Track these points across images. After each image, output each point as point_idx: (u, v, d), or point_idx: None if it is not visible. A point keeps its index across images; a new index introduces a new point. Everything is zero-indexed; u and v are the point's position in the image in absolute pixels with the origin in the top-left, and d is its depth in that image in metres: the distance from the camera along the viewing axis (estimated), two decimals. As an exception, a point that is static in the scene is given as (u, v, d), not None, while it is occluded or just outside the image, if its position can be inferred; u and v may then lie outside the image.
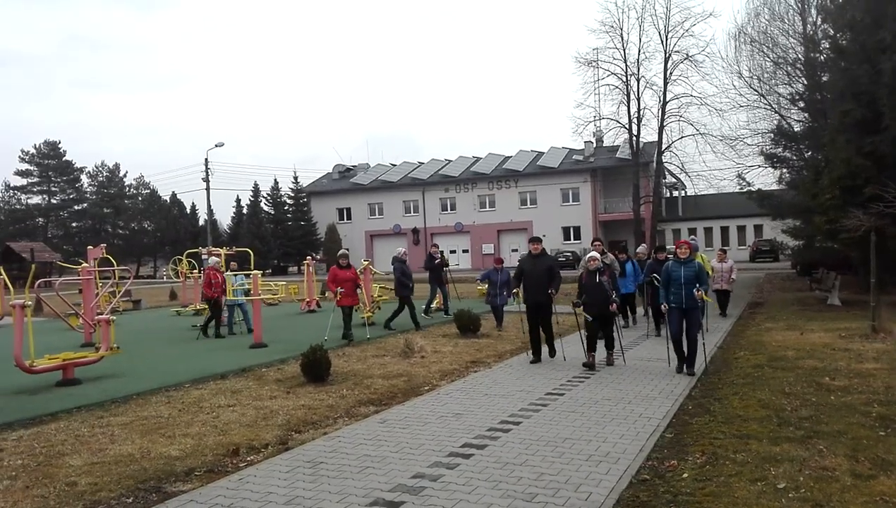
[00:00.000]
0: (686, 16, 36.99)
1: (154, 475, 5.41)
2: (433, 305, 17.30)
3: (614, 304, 9.43)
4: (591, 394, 7.79)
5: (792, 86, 24.68)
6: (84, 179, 68.52)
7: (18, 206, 66.17)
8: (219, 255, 18.54)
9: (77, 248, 55.34)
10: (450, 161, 60.11)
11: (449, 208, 56.03)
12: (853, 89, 16.51)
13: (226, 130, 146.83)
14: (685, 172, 38.16)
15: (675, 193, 54.27)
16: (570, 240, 51.01)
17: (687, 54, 35.48)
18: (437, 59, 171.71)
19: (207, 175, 50.89)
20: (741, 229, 49.80)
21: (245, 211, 60.83)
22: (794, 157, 25.18)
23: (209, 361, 11.08)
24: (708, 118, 58.35)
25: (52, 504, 4.85)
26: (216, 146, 52.80)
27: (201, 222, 62.48)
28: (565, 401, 7.48)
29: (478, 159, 58.91)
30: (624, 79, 36.92)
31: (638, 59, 36.80)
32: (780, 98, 25.21)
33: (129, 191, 70.05)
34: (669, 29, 35.86)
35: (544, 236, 47.39)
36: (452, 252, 50.50)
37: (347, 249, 17.08)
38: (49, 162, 66.13)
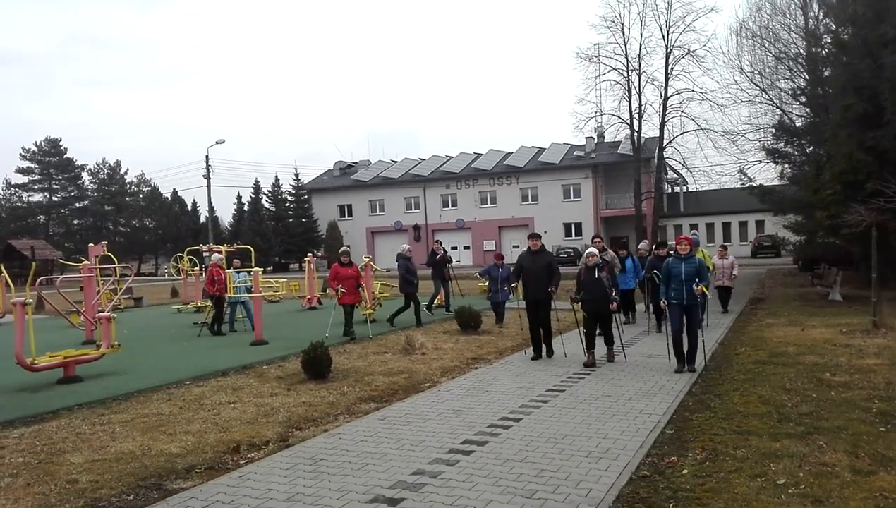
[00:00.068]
0: (687, 11, 36.85)
1: (155, 472, 5.42)
2: (435, 302, 17.33)
3: (614, 303, 9.42)
4: (591, 391, 7.79)
5: (793, 81, 24.61)
6: (85, 177, 68.66)
7: (20, 204, 66.21)
8: (220, 252, 18.53)
9: (78, 246, 55.35)
10: (451, 157, 60.07)
11: (450, 204, 56.01)
12: (855, 84, 16.46)
13: (226, 127, 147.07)
14: (686, 168, 38.15)
15: (677, 189, 54.20)
16: (571, 236, 50.99)
17: (688, 49, 35.47)
18: (438, 55, 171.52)
19: (208, 172, 50.90)
20: (743, 225, 49.74)
21: (246, 208, 60.83)
22: (796, 153, 25.12)
23: (210, 358, 11.09)
24: (709, 113, 58.28)
25: (52, 502, 4.86)
26: (217, 143, 52.63)
27: (202, 219, 62.53)
28: (566, 398, 7.48)
29: (479, 155, 58.86)
30: (625, 74, 36.91)
31: (639, 55, 36.81)
32: (782, 93, 25.14)
33: (130, 188, 70.05)
34: (671, 24, 35.84)
35: (545, 232, 47.49)
36: (454, 248, 50.49)
37: (349, 246, 17.09)
38: (50, 159, 66.16)
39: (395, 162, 63.14)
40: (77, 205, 67.90)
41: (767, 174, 34.55)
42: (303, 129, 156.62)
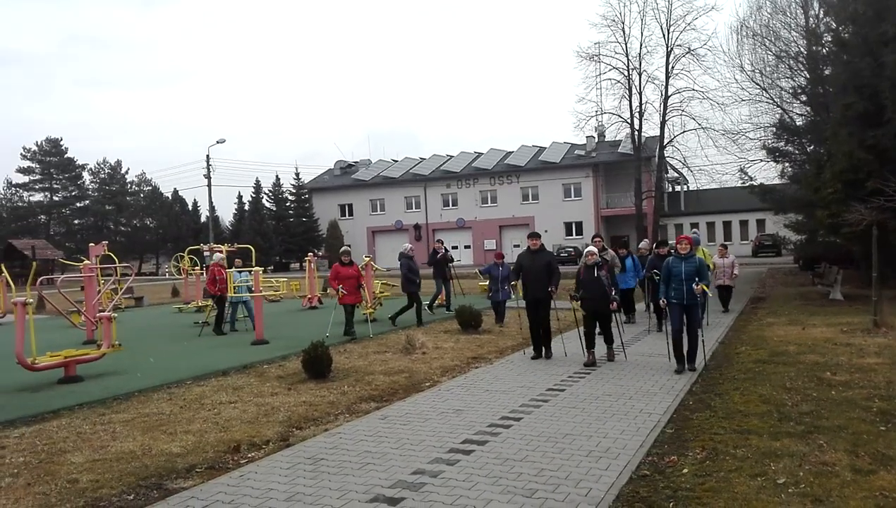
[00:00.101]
0: (688, 9, 36.98)
1: (155, 472, 5.43)
2: (436, 301, 17.34)
3: (614, 303, 9.41)
4: (591, 390, 7.79)
5: (794, 80, 24.58)
6: (86, 176, 68.68)
7: (20, 204, 66.25)
8: (220, 252, 18.54)
9: (79, 245, 55.39)
10: (451, 156, 60.07)
11: (450, 204, 56.01)
12: (855, 82, 16.45)
13: (227, 127, 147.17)
14: (687, 167, 38.15)
15: (678, 188, 54.22)
16: (571, 235, 50.99)
17: (689, 48, 35.51)
18: (438, 54, 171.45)
19: (209, 171, 50.96)
20: (743, 224, 49.71)
21: (247, 207, 60.90)
22: (797, 151, 25.10)
23: (211, 358, 11.10)
24: (710, 112, 58.28)
25: (53, 502, 4.87)
26: (217, 143, 52.77)
27: (203, 219, 62.59)
28: (566, 397, 7.48)
29: (479, 154, 58.85)
30: (626, 73, 36.94)
31: (640, 53, 36.84)
32: (783, 92, 25.12)
33: (130, 188, 70.07)
34: (671, 23, 35.86)
35: (546, 232, 47.48)
36: (454, 247, 50.47)
37: (349, 246, 17.08)
38: (51, 159, 66.18)
39: (396, 161, 63.15)
40: (78, 204, 67.92)
41: (768, 173, 34.63)
42: (303, 129, 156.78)
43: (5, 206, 65.49)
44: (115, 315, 11.25)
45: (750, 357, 9.49)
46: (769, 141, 25.67)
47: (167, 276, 47.02)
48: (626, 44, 36.72)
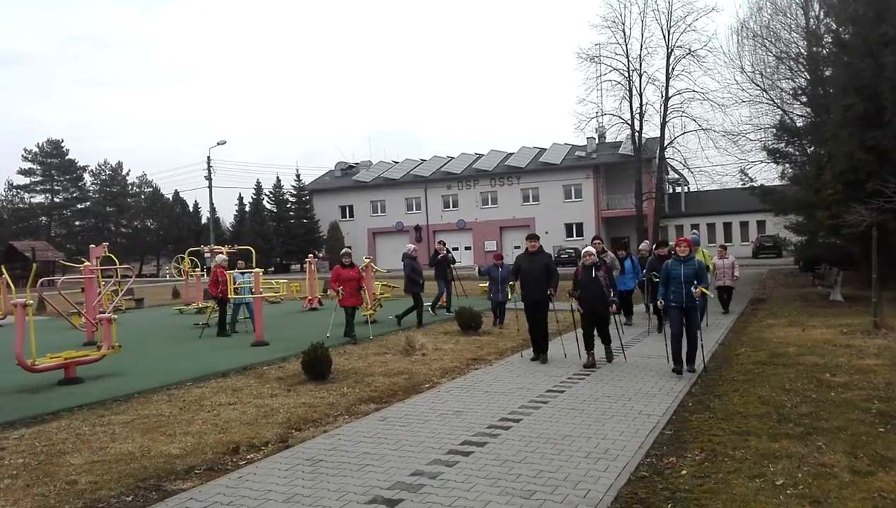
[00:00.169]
0: (688, 11, 36.86)
1: (154, 473, 5.43)
2: (438, 302, 17.35)
3: (614, 305, 9.39)
4: (591, 391, 7.79)
5: (794, 81, 24.60)
6: (87, 178, 68.72)
7: (21, 205, 66.30)
8: (221, 253, 18.55)
9: (80, 247, 55.41)
10: (452, 158, 60.12)
11: (451, 205, 56.03)
12: (855, 83, 16.45)
13: (227, 127, 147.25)
14: (688, 168, 38.18)
15: (678, 189, 54.23)
16: (572, 236, 50.98)
17: (689, 49, 35.52)
18: (439, 55, 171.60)
19: (210, 173, 51.00)
20: (744, 225, 49.69)
21: (247, 209, 60.92)
22: (797, 153, 25.10)
23: (211, 359, 11.10)
24: (710, 113, 58.46)
25: (52, 503, 4.87)
26: (218, 144, 52.90)
27: (204, 220, 62.63)
28: (565, 398, 7.49)
29: (480, 156, 58.88)
30: (626, 74, 36.96)
31: (640, 55, 36.86)
32: (783, 93, 25.14)
33: (131, 189, 70.15)
34: (671, 24, 35.88)
35: (546, 233, 47.55)
36: (455, 249, 50.50)
37: (350, 247, 17.09)
38: (52, 161, 66.25)
39: (397, 162, 63.17)
40: (79, 206, 67.96)
41: (768, 174, 34.60)
42: (304, 130, 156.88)
43: (6, 208, 65.56)
44: (115, 316, 11.26)
45: (749, 358, 9.49)
46: (769, 142, 25.71)
47: (168, 278, 47.04)
48: (626, 45, 36.79)
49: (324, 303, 20.73)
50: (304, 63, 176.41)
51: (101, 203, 67.05)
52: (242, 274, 15.50)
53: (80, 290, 16.13)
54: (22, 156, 65.57)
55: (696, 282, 8.36)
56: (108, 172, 68.68)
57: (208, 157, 51.05)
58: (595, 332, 9.48)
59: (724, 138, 31.68)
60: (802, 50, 23.58)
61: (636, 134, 37.98)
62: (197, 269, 23.57)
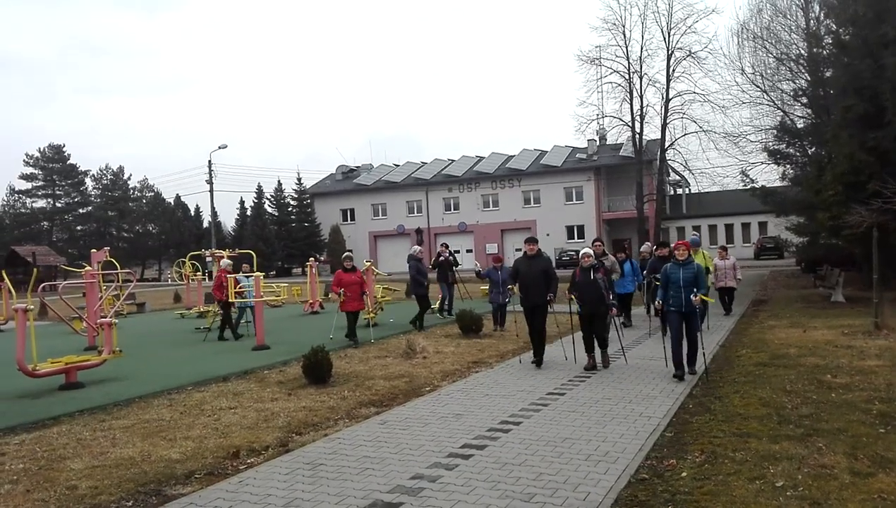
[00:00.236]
0: (688, 12, 36.82)
1: (154, 478, 5.43)
2: (444, 305, 17.35)
3: (613, 309, 9.33)
4: (591, 394, 7.79)
5: (795, 82, 24.55)
6: (88, 183, 68.95)
7: (23, 210, 66.44)
8: (223, 257, 18.56)
9: (82, 251, 55.55)
10: (453, 160, 60.13)
11: (452, 208, 56.02)
12: (856, 84, 16.44)
13: (229, 132, 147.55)
14: (689, 169, 38.17)
15: (679, 191, 54.16)
16: (573, 238, 50.93)
17: (689, 51, 35.49)
18: (440, 58, 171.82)
19: (211, 177, 51.09)
20: (745, 226, 49.60)
21: (249, 212, 61.00)
22: (798, 154, 25.05)
23: (211, 364, 11.11)
24: (711, 115, 58.25)
25: (52, 508, 4.88)
26: (219, 148, 52.80)
27: (205, 224, 62.67)
28: (566, 401, 7.48)
29: (481, 158, 58.89)
30: (627, 76, 36.95)
31: (640, 57, 36.84)
32: (783, 94, 25.08)
33: (133, 194, 70.31)
34: (672, 26, 35.88)
35: (548, 235, 47.56)
36: (457, 252, 50.47)
37: (351, 250, 17.11)
38: (54, 166, 66.41)
39: (398, 165, 63.20)
40: (80, 210, 68.13)
41: (769, 175, 34.58)
42: (305, 134, 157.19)
43: (8, 213, 65.68)
44: (116, 321, 11.27)
45: (750, 360, 9.48)
46: (770, 143, 25.65)
47: (169, 282, 47.08)
48: (626, 47, 36.79)
49: (325, 307, 20.74)
50: (304, 68, 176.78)
51: (102, 207, 67.20)
52: (247, 277, 15.52)
53: (82, 295, 16.14)
54: (23, 161, 65.93)
55: (695, 290, 8.31)
56: (109, 177, 68.87)
57: (209, 161, 51.26)
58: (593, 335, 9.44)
59: (725, 140, 31.65)
60: (803, 51, 23.56)
61: (637, 136, 37.97)
62: (198, 273, 23.60)
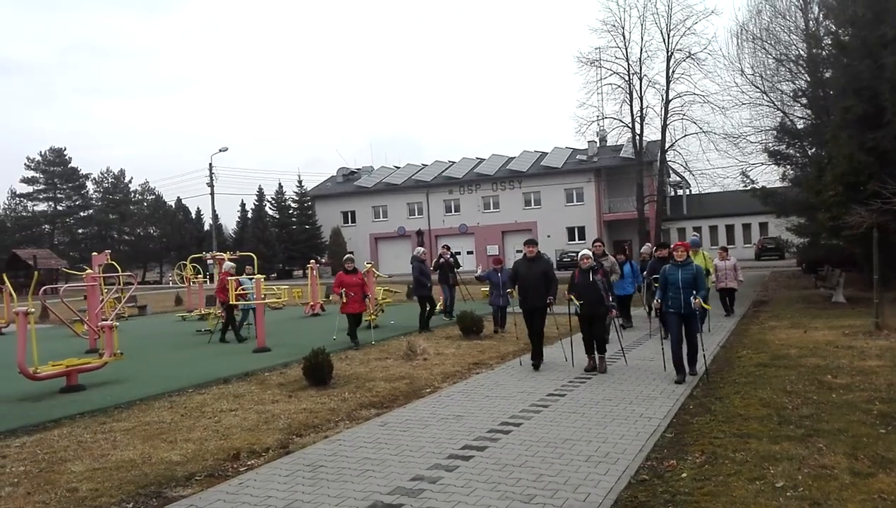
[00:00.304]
0: (688, 14, 36.96)
1: (155, 480, 5.44)
2: (437, 307, 17.33)
3: (613, 311, 9.31)
4: (592, 395, 7.79)
5: (794, 83, 24.56)
6: (89, 186, 69.04)
7: (25, 214, 66.55)
8: (224, 260, 18.58)
9: (83, 255, 55.63)
10: (453, 162, 60.16)
11: (453, 210, 56.06)
12: (855, 85, 16.45)
13: (229, 135, 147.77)
14: (689, 171, 38.14)
15: (680, 192, 54.19)
16: (574, 240, 50.94)
17: (689, 52, 35.52)
18: (440, 60, 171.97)
19: (212, 180, 51.13)
20: (746, 227, 49.60)
21: (250, 215, 61.07)
22: (798, 154, 25.05)
23: (212, 366, 11.12)
24: (711, 116, 58.23)
25: (53, 510, 4.88)
26: (220, 151, 52.86)
27: (206, 227, 62.76)
28: (566, 402, 7.48)
29: (481, 160, 58.93)
30: (626, 78, 36.97)
31: (640, 58, 36.88)
32: (783, 95, 25.09)
33: (134, 196, 70.43)
34: (671, 27, 35.91)
35: (548, 237, 47.59)
36: (457, 253, 50.45)
37: (352, 252, 17.12)
38: (55, 169, 66.50)
39: (398, 168, 63.26)
40: (82, 214, 68.24)
41: (769, 176, 34.59)
42: (305, 136, 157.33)
43: (9, 216, 65.77)
44: (117, 324, 11.28)
45: (751, 360, 9.48)
46: (770, 144, 25.65)
47: (170, 285, 47.11)
48: (626, 49, 36.82)
49: (326, 309, 20.75)
50: (305, 70, 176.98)
51: (103, 211, 67.28)
52: (250, 278, 15.53)
53: (83, 298, 16.17)
54: (24, 164, 66.01)
55: (695, 292, 8.29)
56: (110, 180, 68.97)
57: (210, 164, 51.22)
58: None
59: (725, 140, 31.65)
60: (802, 52, 23.56)
61: (637, 137, 37.99)
62: (199, 276, 23.62)
